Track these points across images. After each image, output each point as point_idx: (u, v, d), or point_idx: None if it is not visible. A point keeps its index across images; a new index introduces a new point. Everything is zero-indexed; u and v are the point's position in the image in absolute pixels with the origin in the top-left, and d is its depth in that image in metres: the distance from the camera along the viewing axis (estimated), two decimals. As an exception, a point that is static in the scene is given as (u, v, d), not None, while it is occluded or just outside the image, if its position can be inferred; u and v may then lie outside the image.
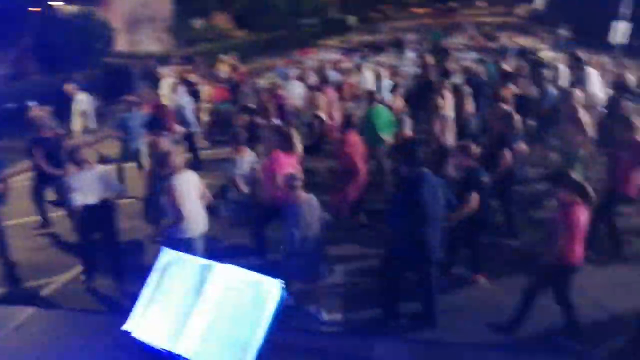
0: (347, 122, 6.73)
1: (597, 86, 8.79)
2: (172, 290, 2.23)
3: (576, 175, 4.26)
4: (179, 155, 5.04)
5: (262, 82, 10.78)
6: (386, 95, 9.32)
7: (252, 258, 5.66)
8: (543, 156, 8.32)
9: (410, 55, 19.44)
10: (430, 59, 11.23)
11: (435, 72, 10.65)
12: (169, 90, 10.20)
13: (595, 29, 24.19)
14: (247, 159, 5.88)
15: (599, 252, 5.78)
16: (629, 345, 4.09)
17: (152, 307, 2.16)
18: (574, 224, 4.00)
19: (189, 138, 9.17)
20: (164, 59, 16.57)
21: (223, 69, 12.82)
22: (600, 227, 5.92)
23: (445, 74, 10.50)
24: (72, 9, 17.02)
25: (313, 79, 10.66)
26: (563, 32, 23.77)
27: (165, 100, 9.58)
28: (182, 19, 25.61)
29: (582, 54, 11.45)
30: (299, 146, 5.90)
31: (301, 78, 10.73)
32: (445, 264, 5.08)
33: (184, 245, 4.52)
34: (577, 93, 6.86)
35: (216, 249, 5.68)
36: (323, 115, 8.07)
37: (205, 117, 11.14)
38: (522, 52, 15.82)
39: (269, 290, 2.10)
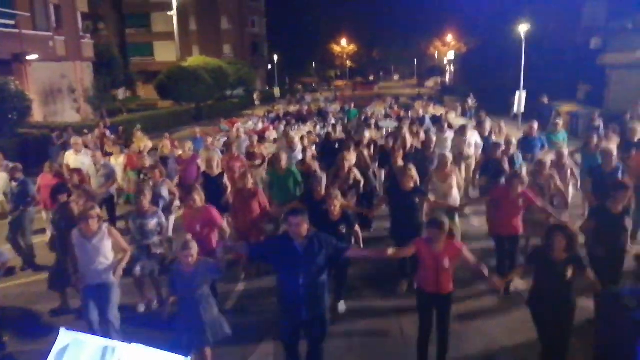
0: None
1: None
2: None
3: None
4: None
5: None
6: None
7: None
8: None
9: (333, 123, 20.38)
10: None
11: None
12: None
13: (494, 98, 26.94)
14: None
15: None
16: None
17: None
18: None
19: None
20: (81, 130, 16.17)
21: (138, 144, 12.25)
22: None
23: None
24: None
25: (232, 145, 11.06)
26: (470, 101, 26.10)
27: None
28: (104, 89, 25.20)
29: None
30: None
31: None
32: None
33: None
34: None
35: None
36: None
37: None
38: (435, 119, 17.07)
39: (175, 370, 2.00)
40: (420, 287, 4.76)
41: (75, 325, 5.51)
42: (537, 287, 4.59)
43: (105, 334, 4.88)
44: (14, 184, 7.85)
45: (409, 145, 9.47)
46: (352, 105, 24.82)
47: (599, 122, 12.74)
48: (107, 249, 5.20)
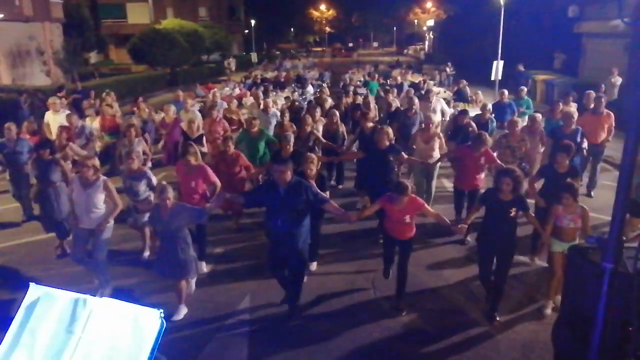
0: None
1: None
2: (40, 330, 2.02)
3: None
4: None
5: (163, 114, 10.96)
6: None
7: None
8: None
9: (311, 90, 20.19)
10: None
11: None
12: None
13: (472, 67, 27.01)
14: None
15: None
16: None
17: (17, 351, 1.94)
18: None
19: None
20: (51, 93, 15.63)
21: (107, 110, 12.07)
22: None
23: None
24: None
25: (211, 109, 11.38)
26: (448, 70, 26.11)
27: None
28: (74, 52, 24.31)
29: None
30: None
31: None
32: None
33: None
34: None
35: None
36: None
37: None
38: (414, 87, 17.03)
39: (148, 322, 2.02)
40: (386, 232, 5.59)
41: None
42: (485, 223, 5.26)
43: (94, 271, 5.76)
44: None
45: (374, 113, 10.04)
46: (376, 77, 21.84)
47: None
48: (100, 200, 5.64)
